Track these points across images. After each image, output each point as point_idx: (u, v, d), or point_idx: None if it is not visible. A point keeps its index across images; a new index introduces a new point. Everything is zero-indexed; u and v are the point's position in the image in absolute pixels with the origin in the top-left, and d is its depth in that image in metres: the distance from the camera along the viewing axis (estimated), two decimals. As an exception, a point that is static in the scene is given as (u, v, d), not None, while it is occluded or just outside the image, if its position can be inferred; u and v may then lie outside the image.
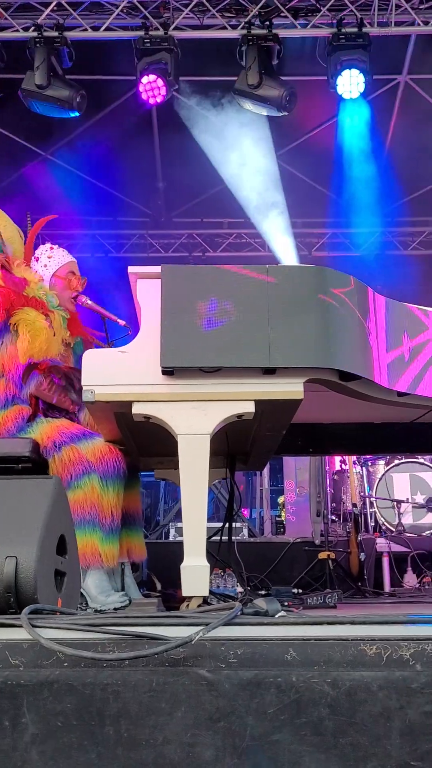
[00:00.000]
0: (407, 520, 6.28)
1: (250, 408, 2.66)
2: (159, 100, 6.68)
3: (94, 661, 1.56)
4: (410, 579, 5.41)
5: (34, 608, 1.80)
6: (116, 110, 7.90)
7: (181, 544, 2.60)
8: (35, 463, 3.23)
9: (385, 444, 4.56)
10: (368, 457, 6.77)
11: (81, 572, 3.03)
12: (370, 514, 6.58)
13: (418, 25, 6.51)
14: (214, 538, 3.41)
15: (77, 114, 6.70)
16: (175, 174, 8.53)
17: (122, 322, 3.67)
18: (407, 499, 6.34)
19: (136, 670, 1.55)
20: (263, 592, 4.55)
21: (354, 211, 9.02)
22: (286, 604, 3.86)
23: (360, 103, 7.03)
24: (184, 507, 2.62)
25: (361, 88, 6.56)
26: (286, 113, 6.67)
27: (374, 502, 6.46)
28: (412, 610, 3.86)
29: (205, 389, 2.65)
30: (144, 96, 6.66)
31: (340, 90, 6.59)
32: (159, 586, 4.15)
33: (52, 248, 3.78)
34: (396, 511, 6.22)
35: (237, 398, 2.66)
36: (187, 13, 6.48)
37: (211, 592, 3.36)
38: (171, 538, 6.45)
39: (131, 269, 2.81)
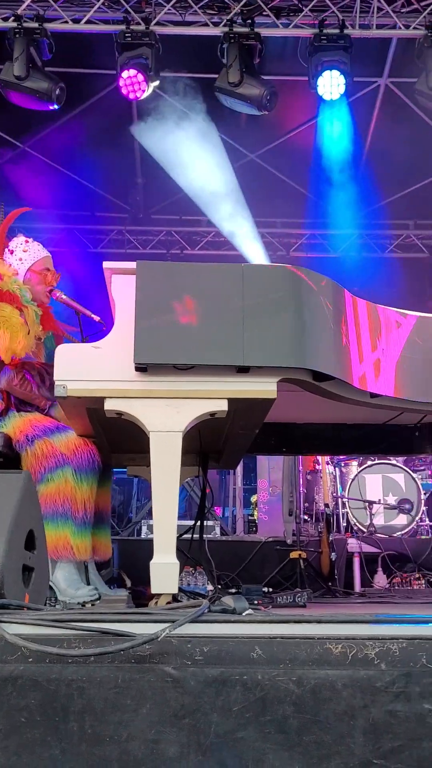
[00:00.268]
0: (379, 521, 6.33)
1: (223, 406, 2.66)
2: (139, 95, 6.65)
3: (59, 656, 1.55)
4: (380, 579, 5.45)
5: (0, 603, 1.79)
6: (96, 104, 7.86)
7: (152, 541, 2.60)
8: (6, 458, 3.21)
9: (359, 445, 4.57)
10: (341, 457, 6.81)
11: (51, 564, 3.01)
12: (342, 514, 6.62)
13: (399, 28, 6.54)
14: (185, 536, 3.40)
15: (56, 107, 6.65)
16: (154, 170, 8.51)
17: (97, 318, 3.65)
18: (379, 500, 6.40)
19: (101, 666, 1.55)
20: (234, 591, 4.55)
21: (332, 213, 9.07)
22: (255, 602, 3.86)
23: (340, 105, 7.05)
24: (154, 504, 2.62)
25: (342, 89, 6.56)
26: (267, 112, 6.66)
27: (346, 503, 6.50)
28: (380, 611, 3.89)
29: (178, 386, 2.64)
30: (124, 91, 6.62)
31: (320, 91, 6.59)
32: (129, 583, 4.14)
33: (27, 242, 3.74)
34: (368, 512, 6.26)
35: (210, 396, 2.66)
36: (168, 9, 6.47)
37: (180, 589, 3.35)
38: (143, 536, 6.44)
39: (106, 264, 2.80)
